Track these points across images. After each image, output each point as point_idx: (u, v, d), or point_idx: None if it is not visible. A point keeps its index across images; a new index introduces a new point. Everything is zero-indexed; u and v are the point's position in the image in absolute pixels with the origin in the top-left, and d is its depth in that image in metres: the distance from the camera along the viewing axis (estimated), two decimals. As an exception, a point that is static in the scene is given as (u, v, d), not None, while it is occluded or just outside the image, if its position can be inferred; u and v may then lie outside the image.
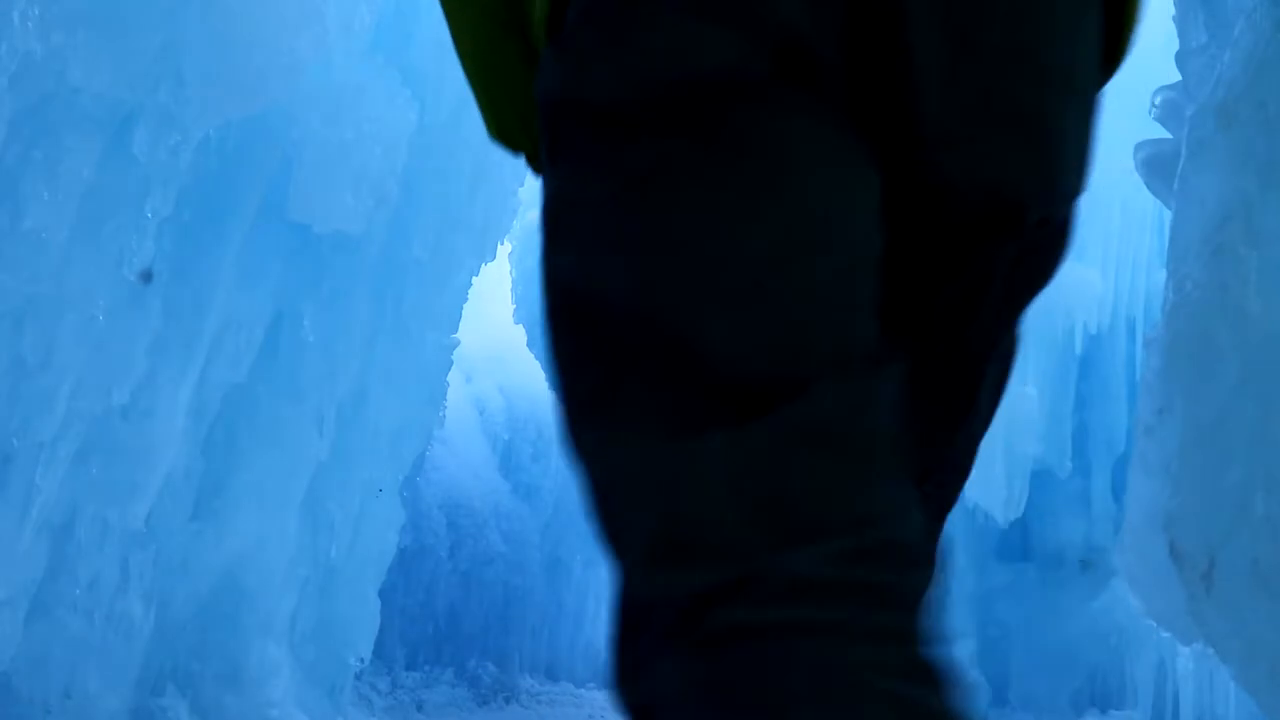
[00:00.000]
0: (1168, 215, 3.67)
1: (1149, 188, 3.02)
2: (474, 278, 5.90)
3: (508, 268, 8.47)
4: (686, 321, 0.62)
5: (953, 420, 0.88)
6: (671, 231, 0.65)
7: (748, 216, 0.65)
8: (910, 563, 0.61)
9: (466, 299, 5.98)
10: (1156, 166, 2.86)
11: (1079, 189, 0.77)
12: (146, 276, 3.48)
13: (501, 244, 6.34)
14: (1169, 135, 2.83)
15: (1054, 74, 0.74)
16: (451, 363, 6.28)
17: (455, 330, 6.06)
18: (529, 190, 6.78)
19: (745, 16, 0.66)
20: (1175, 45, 2.76)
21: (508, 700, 8.58)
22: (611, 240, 0.66)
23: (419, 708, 7.26)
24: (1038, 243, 0.77)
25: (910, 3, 0.67)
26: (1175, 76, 2.78)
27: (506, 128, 0.86)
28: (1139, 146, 2.96)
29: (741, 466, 0.59)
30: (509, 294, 8.61)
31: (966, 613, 6.54)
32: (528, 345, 8.60)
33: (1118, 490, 6.42)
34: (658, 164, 0.66)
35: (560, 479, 10.78)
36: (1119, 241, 6.55)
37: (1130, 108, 6.09)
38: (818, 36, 0.66)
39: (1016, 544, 6.83)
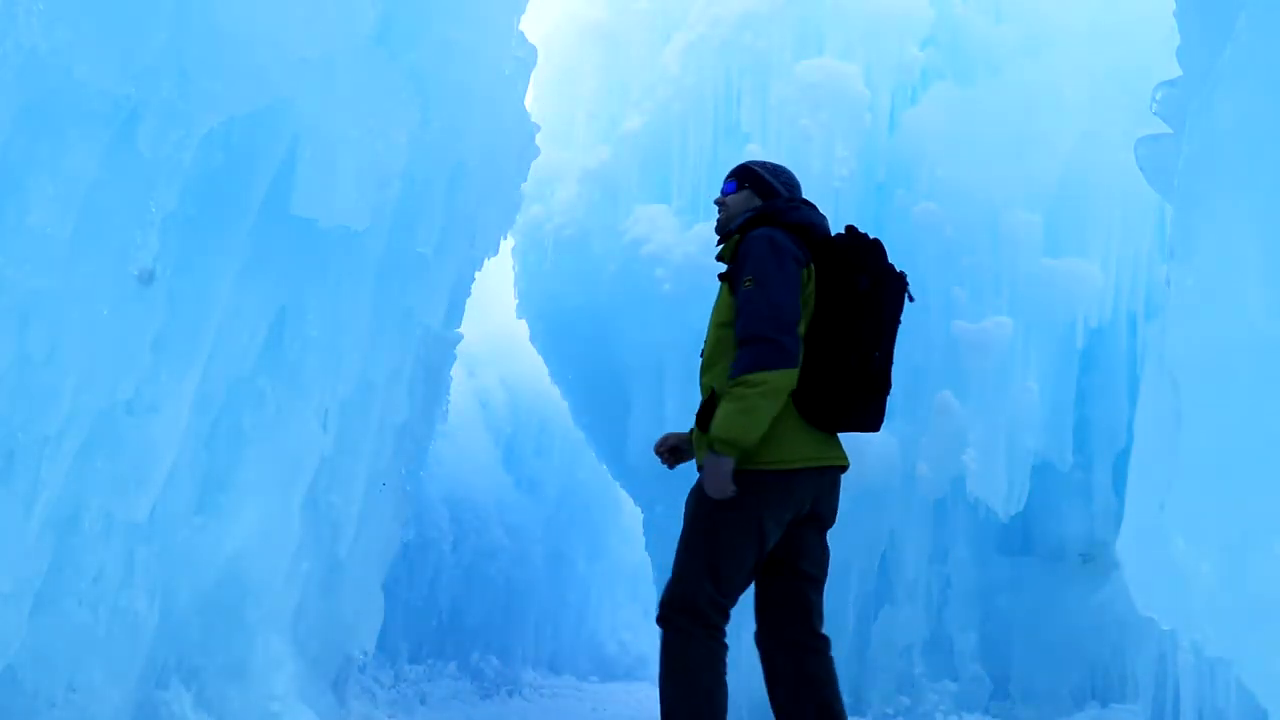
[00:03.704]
0: (1169, 210, 3.66)
1: (1150, 182, 3.03)
2: (476, 272, 5.91)
3: (510, 263, 8.48)
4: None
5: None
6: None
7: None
8: None
9: (469, 293, 5.99)
10: (1157, 161, 2.86)
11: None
12: (148, 277, 3.49)
13: (504, 239, 6.35)
14: (1170, 130, 2.84)
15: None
16: (455, 357, 6.29)
17: (458, 325, 6.07)
18: (531, 186, 6.79)
19: (787, 518, 3.13)
20: (1176, 40, 2.76)
21: (510, 693, 8.60)
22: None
23: (422, 701, 7.28)
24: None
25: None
26: (1176, 72, 2.78)
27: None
28: (1140, 141, 2.96)
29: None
30: (511, 289, 8.62)
31: (968, 606, 6.56)
32: (530, 340, 8.61)
33: (1119, 484, 6.43)
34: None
35: (562, 473, 10.81)
36: (1120, 236, 6.56)
37: (1131, 103, 6.11)
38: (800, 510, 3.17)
39: (1018, 538, 6.84)
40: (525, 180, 6.08)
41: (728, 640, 3.11)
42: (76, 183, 3.24)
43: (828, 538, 3.25)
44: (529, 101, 6.06)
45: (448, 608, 9.30)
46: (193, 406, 3.81)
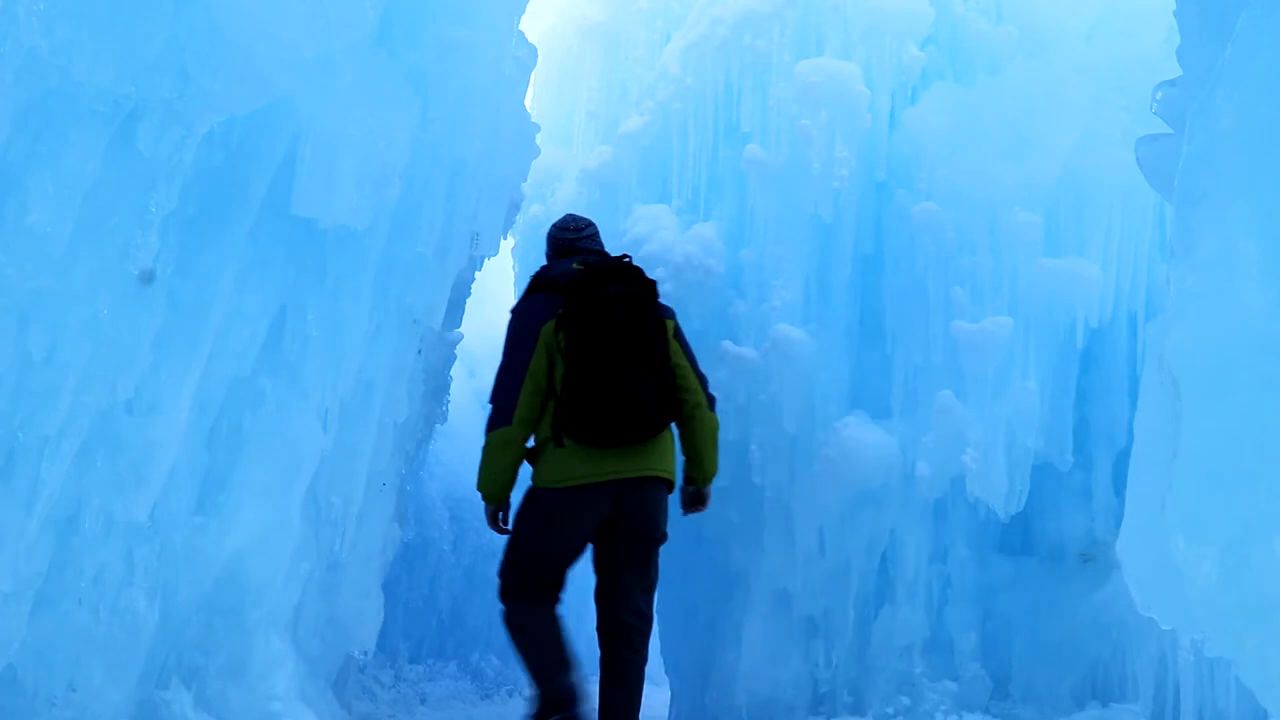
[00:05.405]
0: (1169, 210, 3.66)
1: (1150, 182, 3.03)
2: (477, 272, 5.91)
3: (510, 263, 8.48)
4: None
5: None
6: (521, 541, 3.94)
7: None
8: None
9: (469, 293, 5.99)
10: (1157, 161, 2.86)
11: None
12: (147, 276, 3.49)
13: (504, 239, 6.35)
14: (1170, 130, 2.84)
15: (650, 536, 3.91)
16: (455, 357, 6.29)
17: (458, 325, 6.07)
18: (532, 186, 6.78)
19: (582, 523, 3.84)
20: (1176, 40, 2.77)
21: (510, 694, 8.60)
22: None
23: (422, 700, 7.29)
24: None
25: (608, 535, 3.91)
26: (1176, 71, 2.78)
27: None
28: (1140, 141, 2.96)
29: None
30: (511, 289, 8.62)
31: (968, 606, 6.55)
32: (530, 340, 8.60)
33: (1119, 484, 6.42)
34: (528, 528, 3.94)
35: (563, 473, 10.78)
36: (1120, 235, 6.55)
37: (1131, 103, 6.09)
38: (593, 526, 3.88)
39: (1018, 538, 6.83)
40: (525, 180, 6.08)
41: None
42: (76, 183, 3.24)
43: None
44: (529, 101, 6.06)
45: (448, 608, 9.29)
46: (193, 406, 3.81)
